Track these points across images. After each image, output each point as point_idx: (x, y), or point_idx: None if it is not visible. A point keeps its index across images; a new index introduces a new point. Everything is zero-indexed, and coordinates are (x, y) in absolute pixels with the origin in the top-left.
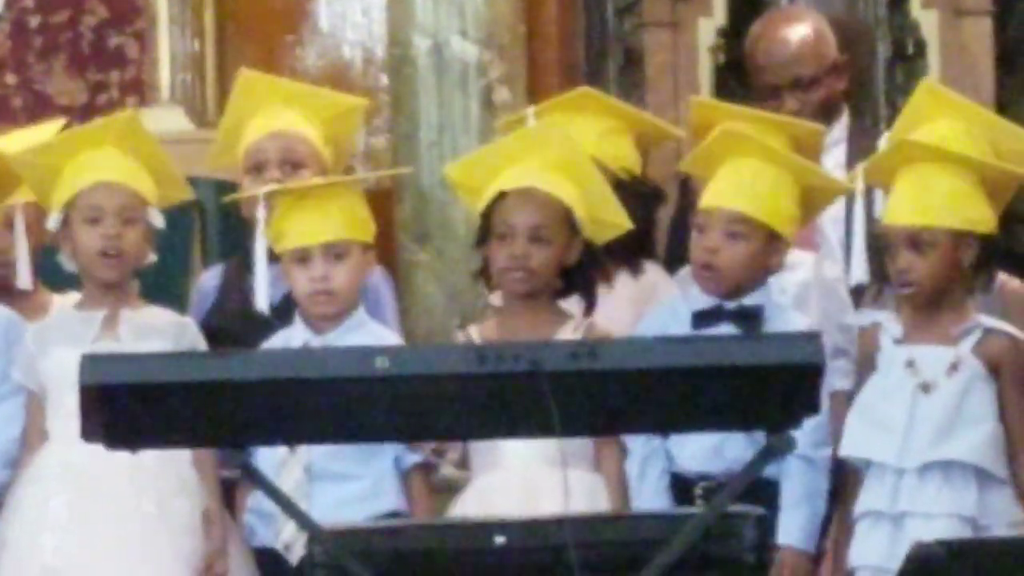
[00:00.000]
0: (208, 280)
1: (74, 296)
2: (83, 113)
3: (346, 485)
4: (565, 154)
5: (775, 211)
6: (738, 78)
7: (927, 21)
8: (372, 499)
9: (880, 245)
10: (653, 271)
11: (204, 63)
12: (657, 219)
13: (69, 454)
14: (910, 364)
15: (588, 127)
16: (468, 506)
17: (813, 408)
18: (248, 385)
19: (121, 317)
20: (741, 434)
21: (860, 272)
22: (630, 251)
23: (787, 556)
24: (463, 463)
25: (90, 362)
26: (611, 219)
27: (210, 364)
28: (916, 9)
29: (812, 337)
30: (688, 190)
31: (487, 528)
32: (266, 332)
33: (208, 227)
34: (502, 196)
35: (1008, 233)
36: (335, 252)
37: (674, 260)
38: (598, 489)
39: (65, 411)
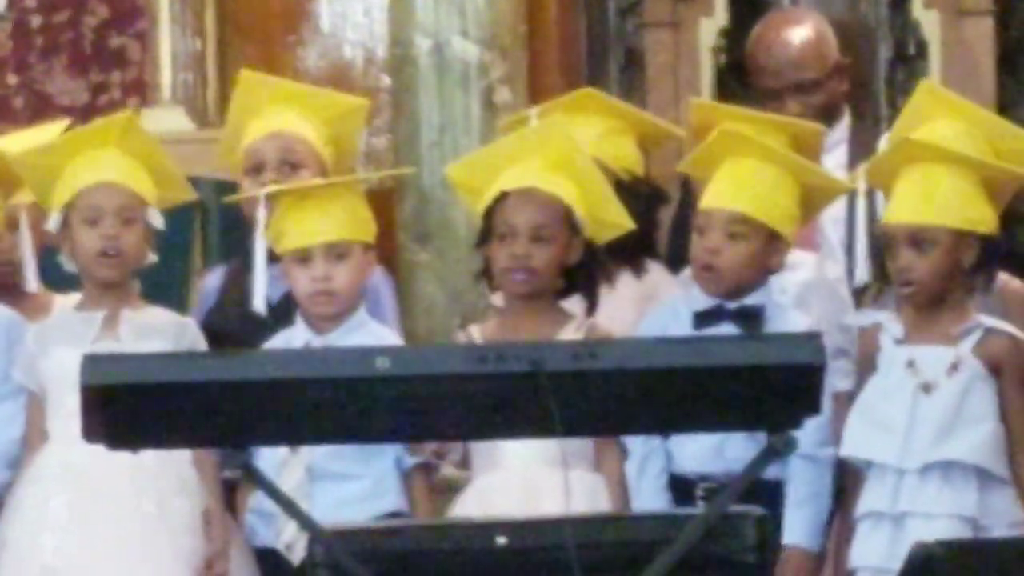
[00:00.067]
0: (211, 281)
1: (75, 297)
2: (84, 113)
3: (347, 485)
4: (566, 154)
5: (775, 211)
6: (739, 78)
7: (928, 21)
8: (373, 499)
9: (881, 245)
10: (656, 271)
11: (205, 63)
12: (659, 219)
13: (69, 454)
14: (910, 364)
15: (590, 127)
16: (468, 506)
17: (814, 408)
18: (249, 385)
19: (121, 317)
20: (742, 434)
21: (863, 272)
22: (632, 251)
23: (792, 555)
24: (464, 463)
25: (91, 362)
26: (612, 219)
27: (211, 364)
28: (917, 9)
29: (813, 337)
30: (689, 190)
31: (488, 528)
32: (266, 332)
33: (209, 227)
34: (503, 196)
35: (1009, 233)
36: (336, 252)
37: (675, 260)
38: (599, 489)
39: (65, 411)
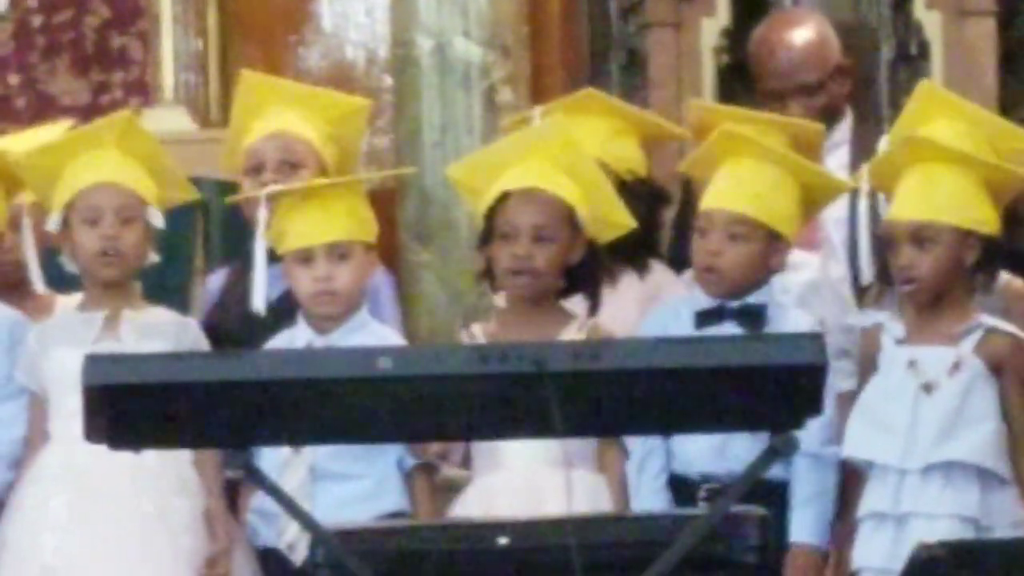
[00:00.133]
0: (215, 282)
1: (77, 297)
2: (86, 113)
3: (349, 485)
4: (567, 153)
5: (775, 211)
6: (742, 79)
7: (930, 22)
8: (375, 499)
9: (884, 243)
10: (659, 271)
11: (207, 63)
12: (661, 219)
13: (70, 455)
14: (912, 364)
15: (593, 129)
16: (470, 506)
17: (816, 409)
18: (251, 385)
19: (122, 317)
20: (744, 435)
21: (867, 272)
22: (635, 251)
23: (799, 553)
24: (465, 463)
25: (93, 362)
26: (614, 218)
27: (213, 364)
28: (919, 10)
29: (815, 337)
30: (691, 190)
31: (490, 529)
32: (266, 332)
33: (211, 227)
34: (505, 196)
35: (1010, 234)
36: (338, 252)
37: (677, 261)
38: (600, 490)
39: (66, 412)
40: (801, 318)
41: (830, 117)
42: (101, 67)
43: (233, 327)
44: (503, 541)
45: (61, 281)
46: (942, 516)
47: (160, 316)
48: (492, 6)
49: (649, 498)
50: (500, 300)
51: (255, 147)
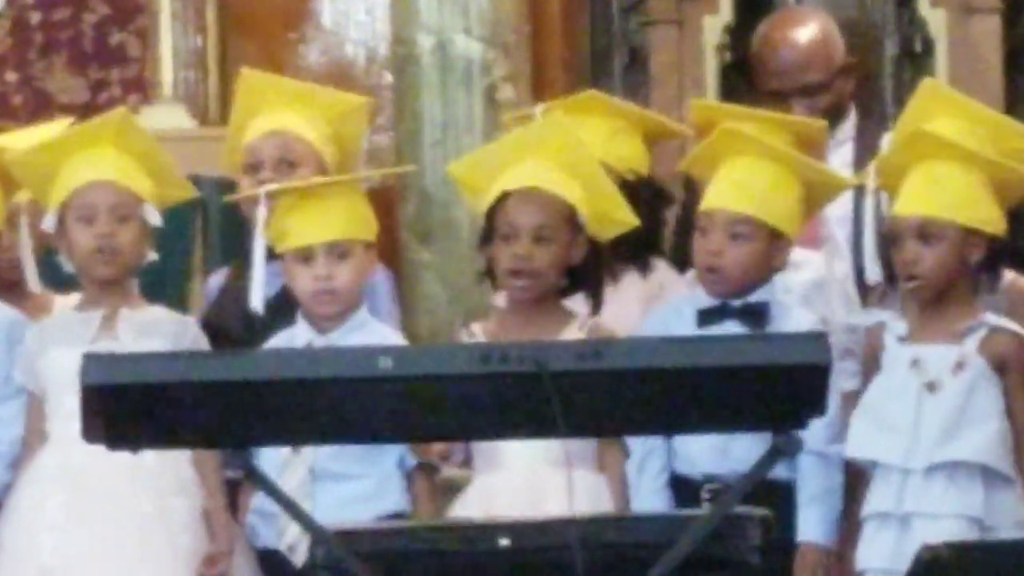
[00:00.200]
0: (215, 281)
1: (75, 297)
2: (84, 111)
3: (350, 485)
4: (568, 152)
5: (777, 210)
6: (744, 76)
7: (935, 19)
8: (376, 499)
9: (888, 240)
10: (662, 269)
11: (206, 61)
12: (664, 218)
13: (68, 455)
14: (915, 363)
15: (594, 129)
16: (470, 506)
17: (820, 409)
18: (251, 385)
19: (120, 317)
20: (747, 435)
21: (873, 270)
22: (638, 250)
23: (807, 552)
24: (467, 462)
25: (92, 362)
26: (616, 216)
27: (213, 364)
28: (924, 7)
29: (819, 337)
30: (693, 189)
31: (491, 529)
32: (264, 330)
33: (210, 226)
34: (505, 196)
35: (1016, 233)
36: (338, 251)
37: (680, 260)
38: (601, 490)
39: (64, 412)
40: (804, 317)
41: (834, 115)
42: (99, 64)
43: (231, 326)
44: (504, 542)
45: (60, 281)
46: (946, 516)
47: (158, 315)
48: (493, 4)
49: (649, 498)
50: (500, 299)
51: (253, 145)
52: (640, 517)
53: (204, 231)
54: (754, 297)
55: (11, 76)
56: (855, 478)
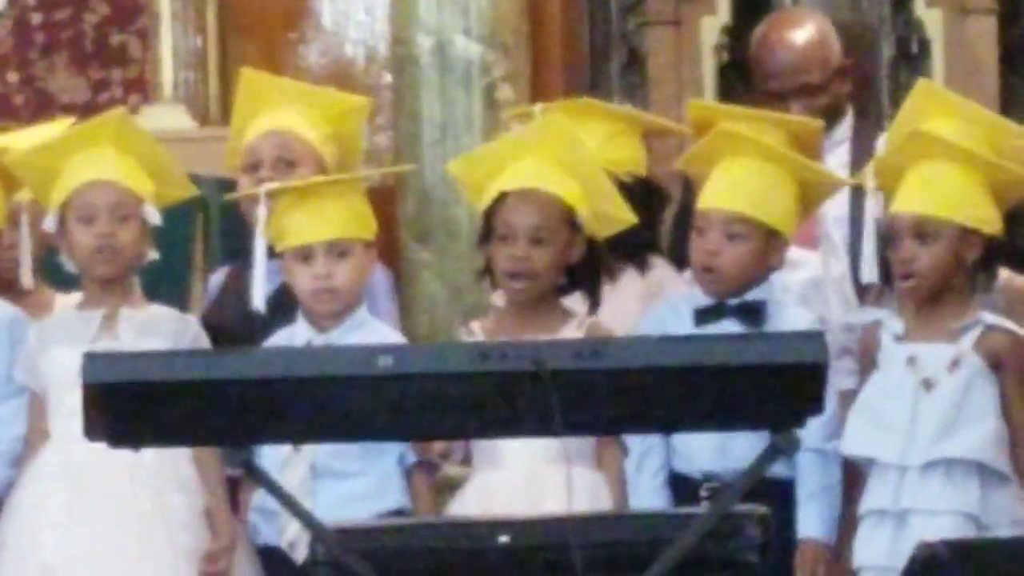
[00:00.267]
0: (216, 280)
1: (77, 296)
2: (85, 111)
3: (350, 483)
4: (565, 151)
5: (773, 209)
6: (742, 76)
7: (931, 20)
8: (376, 497)
9: (885, 240)
10: (660, 267)
11: (207, 61)
12: (662, 216)
13: (69, 453)
14: (911, 361)
15: (591, 133)
16: (468, 504)
17: (818, 407)
18: (251, 383)
19: (120, 316)
20: (746, 433)
21: (871, 269)
22: (636, 248)
23: (807, 548)
24: (467, 460)
25: (93, 361)
26: (614, 213)
27: (213, 362)
28: (920, 8)
29: (816, 336)
30: (691, 188)
31: (490, 527)
32: (264, 330)
33: (211, 225)
34: (503, 197)
35: (1012, 231)
36: (338, 250)
37: (677, 259)
38: (599, 488)
39: (65, 410)
40: (800, 315)
41: (831, 116)
42: (100, 64)
43: (231, 324)
44: (503, 539)
45: (62, 280)
46: (942, 513)
47: (159, 314)
48: (492, 4)
49: (648, 496)
50: (499, 298)
51: (253, 144)
52: (639, 515)
53: (205, 230)
54: (751, 296)
55: (12, 76)
56: (852, 475)
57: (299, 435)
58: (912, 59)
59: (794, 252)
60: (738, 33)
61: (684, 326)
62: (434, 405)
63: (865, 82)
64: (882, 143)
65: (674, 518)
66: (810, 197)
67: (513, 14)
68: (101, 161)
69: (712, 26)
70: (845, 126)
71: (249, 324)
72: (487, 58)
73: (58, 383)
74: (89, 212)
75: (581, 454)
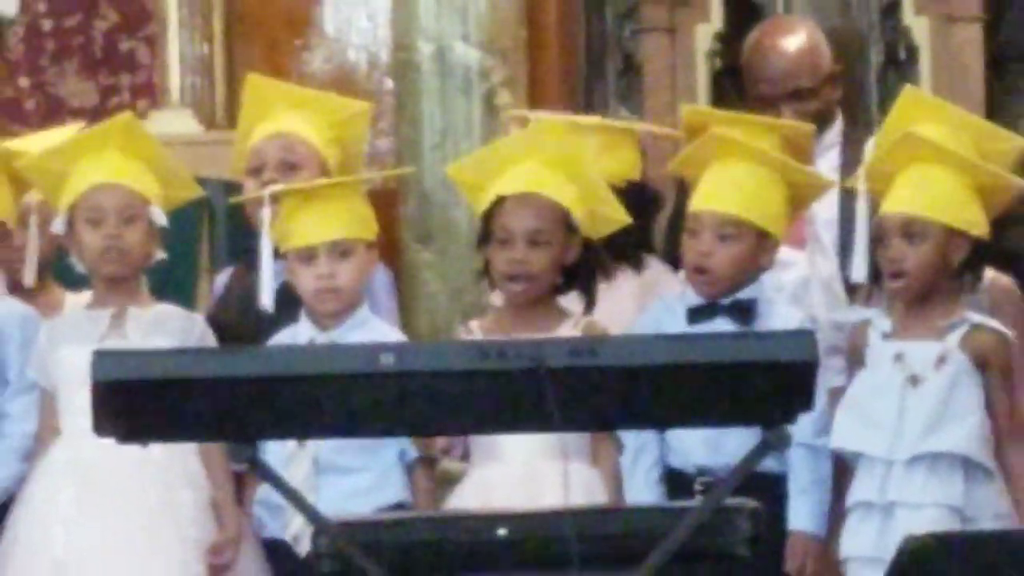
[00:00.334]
0: (221, 279)
1: (87, 295)
2: (95, 115)
3: (352, 478)
4: (561, 153)
5: (763, 211)
6: (735, 82)
7: (919, 27)
8: (377, 491)
9: (875, 240)
10: (655, 265)
11: (213, 67)
12: (656, 218)
13: (78, 449)
14: (899, 358)
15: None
16: (467, 498)
17: (808, 404)
18: (256, 381)
19: (128, 315)
20: (739, 429)
21: (861, 270)
22: (631, 249)
23: (798, 539)
24: (467, 456)
25: (102, 358)
26: (609, 214)
27: (219, 360)
28: (908, 16)
29: (807, 334)
30: (685, 190)
31: (489, 520)
32: (267, 328)
33: (217, 226)
34: (500, 200)
35: (999, 233)
36: (340, 250)
37: (671, 259)
38: (595, 483)
39: (75, 408)
40: (790, 314)
41: (821, 121)
42: (109, 70)
43: (235, 323)
44: (502, 532)
45: (73, 280)
46: (928, 506)
47: (166, 312)
48: (491, 11)
49: (643, 491)
50: (498, 298)
51: (257, 147)
52: (634, 509)
53: (211, 231)
54: (742, 295)
55: (24, 81)
56: (840, 469)
57: (303, 431)
58: (900, 65)
59: (785, 252)
60: (731, 40)
61: (678, 325)
62: (435, 402)
63: (854, 88)
64: (871, 147)
65: (668, 511)
66: (799, 199)
67: (512, 21)
68: (108, 164)
69: (706, 33)
70: (835, 131)
71: (253, 323)
72: (486, 64)
73: (68, 381)
74: (97, 214)
75: (577, 450)
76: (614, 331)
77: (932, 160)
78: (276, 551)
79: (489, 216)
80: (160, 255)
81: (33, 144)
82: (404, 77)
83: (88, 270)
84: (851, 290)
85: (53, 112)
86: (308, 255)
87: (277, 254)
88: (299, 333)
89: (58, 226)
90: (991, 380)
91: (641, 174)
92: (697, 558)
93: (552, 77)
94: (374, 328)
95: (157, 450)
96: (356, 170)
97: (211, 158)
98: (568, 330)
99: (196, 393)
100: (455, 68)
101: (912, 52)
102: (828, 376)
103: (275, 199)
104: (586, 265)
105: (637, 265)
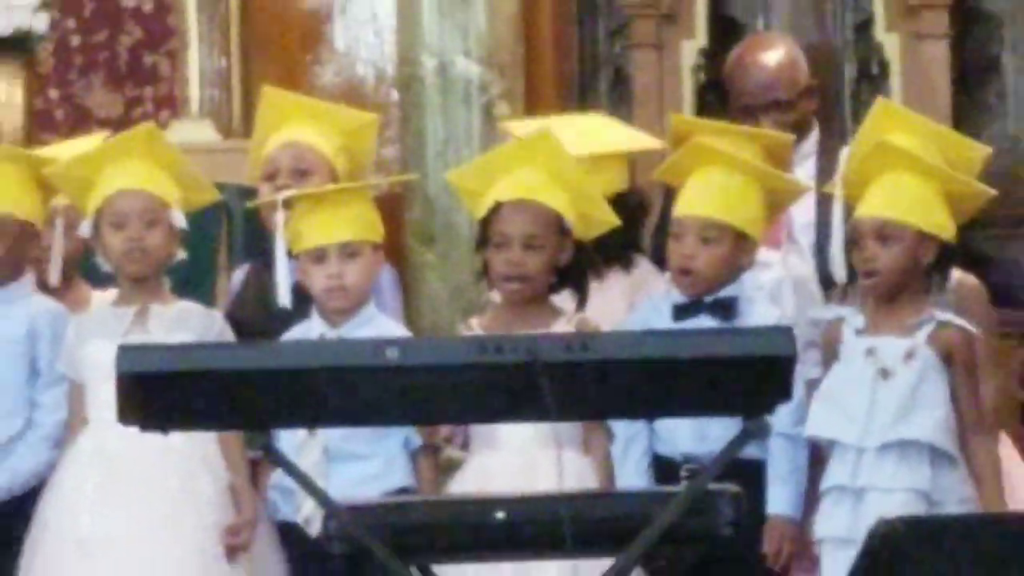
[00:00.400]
0: (238, 277)
1: (113, 292)
2: (119, 125)
3: (360, 464)
4: (553, 161)
5: (743, 214)
6: (718, 95)
7: (890, 44)
8: (384, 477)
9: (850, 241)
10: (643, 264)
11: (230, 80)
12: (644, 221)
13: (104, 439)
14: (870, 352)
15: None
16: (467, 484)
17: (786, 395)
18: (270, 373)
19: (151, 311)
20: (723, 419)
21: (840, 271)
22: (621, 249)
23: (776, 523)
24: (467, 444)
25: (126, 352)
26: (600, 216)
27: (236, 354)
28: (880, 33)
29: (784, 330)
30: (671, 196)
31: (489, 504)
32: (281, 323)
33: (234, 229)
34: (498, 206)
35: (966, 236)
36: (348, 251)
37: (659, 261)
38: (587, 470)
39: (100, 399)
40: (768, 311)
41: (799, 131)
42: (134, 83)
43: (250, 319)
44: (500, 515)
45: (99, 279)
46: (897, 490)
47: (187, 310)
48: (490, 28)
49: (633, 479)
50: (496, 297)
51: (271, 155)
52: (624, 493)
53: (228, 233)
54: (724, 293)
55: (53, 93)
56: (815, 456)
57: (313, 420)
58: (873, 79)
59: (763, 253)
60: (714, 55)
61: (664, 321)
62: (437, 393)
63: (830, 100)
64: (845, 156)
65: (656, 496)
66: (776, 203)
67: (509, 37)
68: (132, 171)
69: (691, 49)
70: (812, 140)
71: (268, 318)
72: (485, 78)
73: (94, 374)
74: (120, 218)
75: (570, 439)
76: (605, 327)
77: (904, 168)
78: (289, 533)
79: (487, 221)
80: (181, 255)
81: (62, 152)
82: (409, 90)
83: (113, 269)
84: (827, 289)
85: (81, 122)
86: (319, 256)
87: (290, 255)
88: (311, 329)
89: (85, 229)
90: (956, 374)
91: (630, 181)
92: (683, 539)
93: (547, 90)
94: (380, 324)
95: (178, 438)
96: (364, 177)
97: (228, 165)
98: (562, 326)
99: (214, 385)
100: (456, 81)
101: (884, 67)
102: (805, 369)
103: (288, 203)
104: (578, 266)
105: (627, 265)
